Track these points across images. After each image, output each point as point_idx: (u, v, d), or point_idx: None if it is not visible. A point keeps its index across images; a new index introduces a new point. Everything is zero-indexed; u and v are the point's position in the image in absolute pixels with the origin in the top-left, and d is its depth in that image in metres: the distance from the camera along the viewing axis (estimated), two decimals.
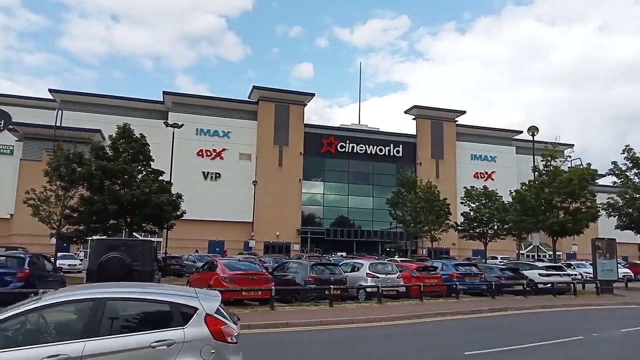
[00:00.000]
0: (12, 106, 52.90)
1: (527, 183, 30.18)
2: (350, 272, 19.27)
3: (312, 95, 57.50)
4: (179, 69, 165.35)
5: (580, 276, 28.36)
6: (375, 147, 59.14)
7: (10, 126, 49.34)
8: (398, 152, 60.02)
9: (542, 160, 29.27)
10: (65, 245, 31.86)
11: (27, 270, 14.31)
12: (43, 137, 45.24)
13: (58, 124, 40.39)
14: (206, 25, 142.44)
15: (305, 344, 10.37)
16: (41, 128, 46.15)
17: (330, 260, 25.04)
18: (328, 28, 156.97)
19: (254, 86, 55.24)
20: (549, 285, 21.31)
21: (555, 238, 28.94)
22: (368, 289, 17.68)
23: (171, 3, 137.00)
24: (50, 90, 51.98)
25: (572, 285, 22.16)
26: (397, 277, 18.88)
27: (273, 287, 15.00)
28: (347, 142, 58.21)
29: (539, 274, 22.30)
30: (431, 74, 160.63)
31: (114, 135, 26.43)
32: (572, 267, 31.44)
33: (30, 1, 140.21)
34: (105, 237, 23.21)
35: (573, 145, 49.80)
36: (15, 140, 48.96)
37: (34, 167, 38.73)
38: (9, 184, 46.72)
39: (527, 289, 20.39)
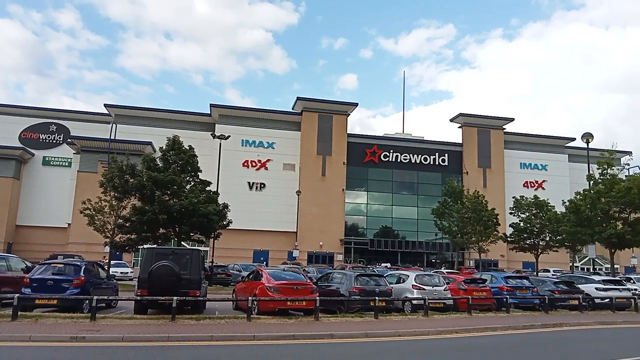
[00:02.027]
0: (70, 121, 56.10)
1: (581, 192, 28.85)
2: (396, 283, 18.97)
3: (355, 105, 57.55)
4: (227, 83, 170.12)
5: None
6: (419, 156, 58.31)
7: (69, 140, 52.18)
8: (444, 161, 58.89)
9: (597, 168, 27.93)
10: (117, 253, 33.14)
11: (83, 278, 14.90)
12: (98, 149, 47.66)
13: (112, 137, 42.34)
14: (253, 40, 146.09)
15: (352, 356, 10.22)
16: (97, 141, 48.64)
17: (374, 271, 24.76)
18: (373, 39, 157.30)
19: (297, 97, 55.87)
20: (607, 300, 20.20)
21: (613, 250, 27.45)
22: (414, 301, 17.35)
23: (221, 20, 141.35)
24: (105, 105, 54.82)
25: (632, 300, 20.87)
26: (445, 290, 18.43)
27: (317, 298, 14.96)
28: (391, 151, 57.71)
29: (596, 288, 21.15)
30: (478, 82, 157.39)
31: (164, 147, 27.40)
32: (632, 281, 29.68)
33: (91, 22, 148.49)
34: (155, 246, 23.86)
35: (631, 152, 47.10)
36: (73, 153, 51.71)
37: (90, 178, 40.73)
38: (68, 194, 49.22)
39: (584, 303, 19.43)
